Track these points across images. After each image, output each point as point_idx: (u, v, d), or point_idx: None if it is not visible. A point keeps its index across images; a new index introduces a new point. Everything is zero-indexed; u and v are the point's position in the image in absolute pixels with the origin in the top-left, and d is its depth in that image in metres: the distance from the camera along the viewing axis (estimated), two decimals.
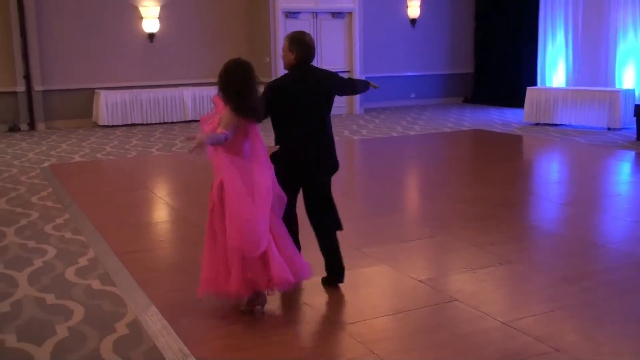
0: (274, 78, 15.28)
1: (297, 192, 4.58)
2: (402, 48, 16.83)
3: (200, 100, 14.31)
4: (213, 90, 14.54)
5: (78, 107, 13.78)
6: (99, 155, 10.32)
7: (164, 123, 13.95)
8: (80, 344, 3.74)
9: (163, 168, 9.68)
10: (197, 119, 14.20)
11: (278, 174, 4.21)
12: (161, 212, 7.04)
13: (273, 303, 4.31)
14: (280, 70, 14.59)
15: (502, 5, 16.57)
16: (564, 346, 3.60)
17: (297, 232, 4.70)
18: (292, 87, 4.41)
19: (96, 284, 4.68)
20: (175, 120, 14.05)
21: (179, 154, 10.34)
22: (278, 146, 4.55)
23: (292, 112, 4.42)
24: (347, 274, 4.58)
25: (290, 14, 14.61)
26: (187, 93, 14.19)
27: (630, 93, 12.16)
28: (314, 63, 4.57)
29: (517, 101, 14.81)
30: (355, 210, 6.93)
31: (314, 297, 4.36)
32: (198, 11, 14.61)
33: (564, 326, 3.88)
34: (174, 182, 8.75)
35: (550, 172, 9.40)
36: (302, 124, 4.43)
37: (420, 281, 4.61)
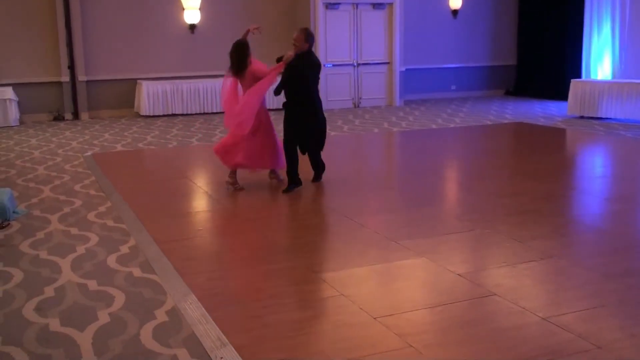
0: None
1: (293, 131, 7.02)
2: (443, 39, 16.66)
3: (241, 90, 14.36)
4: None
5: (120, 97, 14.00)
6: (140, 144, 10.47)
7: (204, 113, 14.07)
8: (121, 329, 3.80)
9: (203, 158, 9.76)
10: None
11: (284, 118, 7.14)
12: (201, 202, 7.11)
13: (309, 293, 4.33)
14: (320, 61, 14.57)
15: None
16: (606, 343, 3.53)
17: (296, 163, 7.15)
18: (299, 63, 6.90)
19: (137, 272, 4.75)
20: (215, 111, 14.16)
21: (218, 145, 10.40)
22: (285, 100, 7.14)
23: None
24: (385, 266, 4.67)
25: (331, 5, 14.57)
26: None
27: None
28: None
29: (561, 94, 14.55)
30: (394, 203, 6.90)
31: (351, 289, 4.36)
32: (239, 2, 14.67)
33: (605, 323, 3.80)
34: (213, 172, 8.81)
35: (594, 166, 9.21)
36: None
37: (459, 275, 4.57)
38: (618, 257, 4.95)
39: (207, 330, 3.75)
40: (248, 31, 7.38)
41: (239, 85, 7.18)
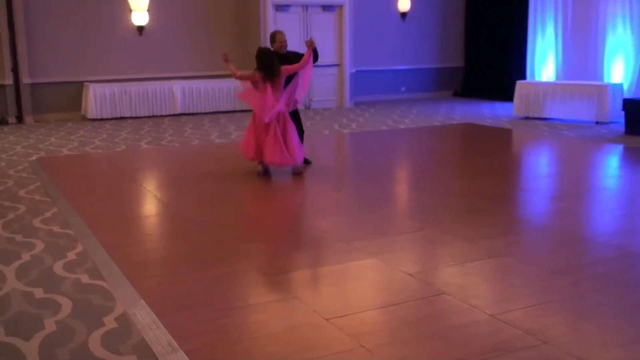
0: None
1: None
2: (393, 42, 16.83)
3: (190, 93, 14.25)
4: (203, 84, 14.62)
5: (66, 100, 13.72)
6: (87, 148, 10.27)
7: (153, 116, 13.91)
8: (69, 338, 3.72)
9: (152, 161, 9.64)
10: (187, 112, 14.19)
11: None
12: (150, 206, 7.02)
13: (261, 296, 4.32)
14: None
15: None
16: (552, 339, 3.62)
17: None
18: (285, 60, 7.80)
19: (85, 278, 4.66)
20: (164, 114, 14.02)
21: (168, 148, 10.30)
22: None
23: None
24: (336, 268, 4.70)
25: (281, 7, 14.57)
26: (177, 86, 14.14)
27: (618, 87, 12.22)
28: None
29: (507, 95, 14.85)
30: (345, 204, 6.94)
31: (303, 291, 4.37)
32: (188, 4, 14.55)
33: (552, 319, 3.89)
34: (163, 175, 8.72)
35: (540, 165, 9.43)
36: None
37: (409, 274, 4.62)
38: (563, 254, 5.08)
39: (158, 336, 3.70)
40: (226, 59, 8.12)
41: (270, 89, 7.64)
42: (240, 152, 8.06)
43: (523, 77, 14.89)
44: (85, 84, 13.59)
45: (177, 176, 8.39)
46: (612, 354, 3.49)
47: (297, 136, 7.95)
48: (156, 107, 13.99)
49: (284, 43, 8.09)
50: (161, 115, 13.98)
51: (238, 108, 14.71)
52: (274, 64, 7.56)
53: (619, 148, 9.88)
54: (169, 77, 14.39)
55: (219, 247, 5.39)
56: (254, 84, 7.73)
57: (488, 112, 14.17)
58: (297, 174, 8.01)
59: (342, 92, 15.40)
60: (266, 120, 7.55)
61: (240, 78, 7.84)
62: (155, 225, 6.33)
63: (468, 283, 4.49)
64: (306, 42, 7.86)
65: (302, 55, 7.84)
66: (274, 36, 8.18)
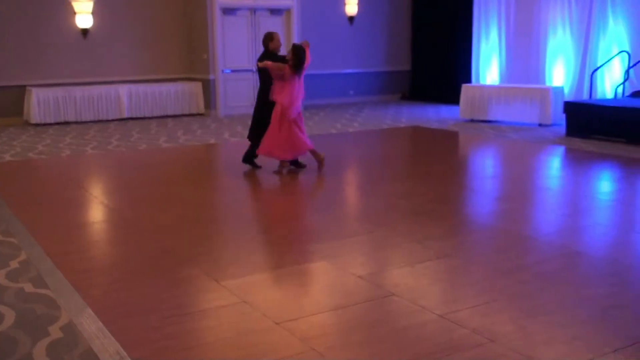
0: (211, 75, 15.12)
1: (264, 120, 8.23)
2: (341, 46, 16.92)
3: (137, 97, 14.05)
4: (150, 87, 14.43)
5: (8, 104, 13.35)
6: (30, 154, 10.02)
7: (99, 121, 13.65)
8: (12, 349, 3.62)
9: (98, 167, 9.46)
10: (134, 116, 13.99)
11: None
12: (96, 212, 6.89)
13: (211, 302, 4.29)
14: (218, 67, 14.48)
15: (437, 4, 16.84)
16: (499, 337, 3.69)
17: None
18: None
19: (28, 287, 4.54)
20: (110, 118, 13.78)
21: (114, 153, 10.13)
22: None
23: None
24: (287, 271, 4.74)
25: (228, 11, 14.49)
26: (123, 90, 13.92)
27: (559, 90, 12.55)
28: None
29: (453, 98, 15.09)
30: (296, 208, 6.95)
31: (254, 295, 4.35)
32: (133, 7, 14.34)
33: (498, 317, 3.98)
34: (109, 181, 8.57)
35: (485, 167, 9.62)
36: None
37: (359, 277, 4.66)
38: (508, 254, 5.19)
39: (105, 345, 3.63)
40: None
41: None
42: (279, 156, 8.24)
43: (468, 80, 15.17)
44: (28, 88, 13.26)
45: (124, 181, 8.27)
46: (556, 350, 3.58)
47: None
48: (102, 111, 13.74)
49: (280, 44, 8.43)
50: (107, 120, 13.74)
51: (186, 112, 14.57)
52: (305, 59, 8.02)
53: (561, 149, 10.15)
54: (115, 81, 14.16)
55: (168, 253, 5.33)
56: (279, 76, 7.97)
57: (435, 115, 14.38)
58: (279, 172, 8.33)
59: None
60: (295, 114, 8.07)
61: (272, 68, 7.95)
62: (102, 231, 6.21)
63: (417, 284, 4.55)
64: (303, 43, 8.30)
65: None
66: (272, 36, 8.34)
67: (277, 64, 7.98)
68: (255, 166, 8.58)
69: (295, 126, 8.14)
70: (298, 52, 8.02)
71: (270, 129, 8.11)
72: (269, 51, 8.31)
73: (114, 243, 5.83)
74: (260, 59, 8.16)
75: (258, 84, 8.79)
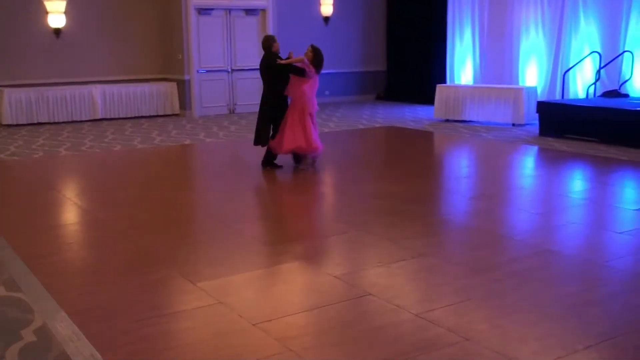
0: (186, 75, 15.03)
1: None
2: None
3: (111, 98, 13.92)
4: (124, 88, 14.32)
5: None
6: (2, 155, 9.88)
7: (73, 122, 13.50)
8: None
9: (72, 168, 9.37)
10: (107, 117, 13.86)
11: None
12: (70, 214, 6.82)
13: (187, 303, 4.27)
14: (193, 67, 14.41)
15: (412, 5, 16.92)
16: (473, 335, 3.73)
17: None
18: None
19: (1, 291, 4.48)
20: (84, 119, 13.64)
21: (88, 154, 10.03)
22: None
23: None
24: (263, 272, 4.74)
25: (203, 11, 14.43)
26: (97, 91, 13.78)
27: (532, 90, 12.69)
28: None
29: (428, 98, 15.16)
30: (270, 208, 6.94)
31: (229, 296, 4.34)
32: (107, 6, 14.21)
33: (473, 316, 4.01)
34: (83, 182, 8.49)
35: (460, 167, 9.70)
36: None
37: (335, 277, 4.67)
38: (483, 253, 5.24)
39: (79, 348, 3.60)
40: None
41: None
42: (307, 149, 8.42)
43: (443, 80, 15.27)
44: (0, 88, 13.08)
45: (99, 183, 8.19)
46: (530, 347, 3.62)
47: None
48: (75, 112, 13.59)
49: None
50: (81, 121, 13.59)
51: (161, 112, 14.48)
52: (323, 59, 8.55)
53: (534, 149, 10.26)
54: (89, 82, 14.01)
55: (143, 255, 5.29)
56: (301, 73, 8.32)
57: (410, 115, 14.45)
58: (308, 166, 8.62)
59: None
60: (315, 109, 8.44)
61: (301, 64, 8.34)
62: (76, 233, 6.15)
63: (393, 283, 4.57)
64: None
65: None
66: (274, 38, 8.68)
67: (302, 58, 8.37)
68: (277, 166, 8.60)
69: (311, 122, 8.41)
70: (319, 52, 8.47)
71: (290, 126, 8.27)
72: (272, 52, 8.50)
73: (88, 245, 5.78)
74: (272, 60, 8.38)
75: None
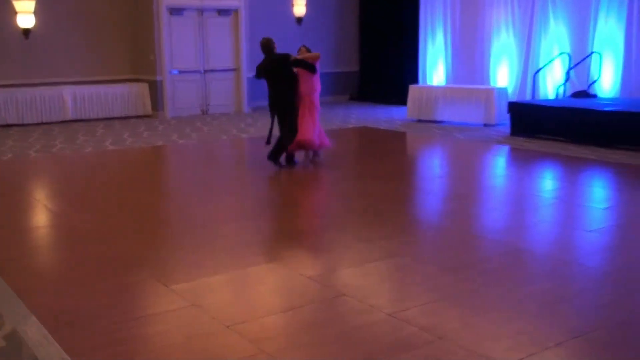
0: (158, 76, 14.88)
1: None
2: (289, 46, 16.81)
3: (82, 99, 13.76)
4: (95, 89, 14.16)
5: None
6: None
7: (42, 123, 13.31)
8: None
9: (42, 170, 9.24)
10: (78, 119, 13.70)
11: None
12: (40, 217, 6.73)
13: (160, 306, 4.24)
14: (165, 67, 14.31)
15: (384, 6, 16.99)
16: (447, 334, 3.76)
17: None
18: (263, 65, 8.74)
19: None
20: (54, 121, 13.45)
21: (59, 156, 9.91)
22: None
23: (266, 78, 8.77)
24: (236, 273, 4.71)
25: (175, 11, 14.33)
26: (67, 92, 13.61)
27: (503, 91, 12.82)
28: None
29: (401, 99, 15.21)
30: (245, 210, 6.91)
31: (203, 299, 4.32)
32: (77, 6, 14.03)
33: (446, 315, 4.04)
34: (53, 184, 8.38)
35: (432, 167, 9.76)
36: (269, 84, 8.77)
37: (309, 277, 4.67)
38: (456, 252, 5.28)
39: (50, 353, 3.56)
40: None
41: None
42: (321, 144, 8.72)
43: (415, 81, 15.35)
44: None
45: (69, 185, 8.10)
46: (502, 344, 3.66)
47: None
48: (45, 113, 13.40)
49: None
50: (50, 122, 13.40)
51: (133, 114, 14.35)
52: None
53: (506, 149, 10.37)
54: (58, 83, 13.82)
55: (115, 258, 5.24)
56: (312, 68, 8.56)
57: (383, 116, 14.51)
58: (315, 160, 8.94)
59: (239, 97, 15.32)
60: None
61: (315, 59, 8.64)
62: (47, 236, 6.07)
63: (367, 283, 4.58)
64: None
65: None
66: (273, 41, 8.89)
67: (318, 54, 8.69)
68: (295, 164, 8.81)
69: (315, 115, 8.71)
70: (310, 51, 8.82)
71: (306, 121, 8.48)
72: (279, 53, 8.76)
73: (59, 248, 5.71)
74: (285, 59, 8.59)
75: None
